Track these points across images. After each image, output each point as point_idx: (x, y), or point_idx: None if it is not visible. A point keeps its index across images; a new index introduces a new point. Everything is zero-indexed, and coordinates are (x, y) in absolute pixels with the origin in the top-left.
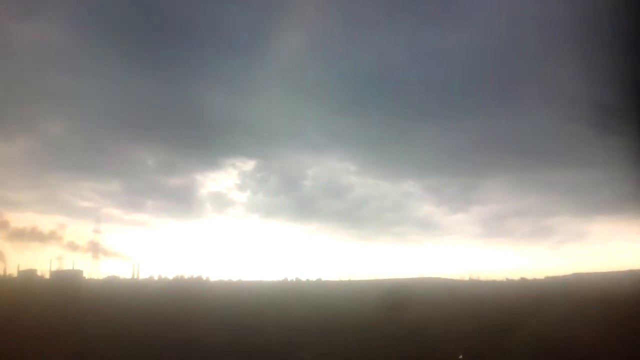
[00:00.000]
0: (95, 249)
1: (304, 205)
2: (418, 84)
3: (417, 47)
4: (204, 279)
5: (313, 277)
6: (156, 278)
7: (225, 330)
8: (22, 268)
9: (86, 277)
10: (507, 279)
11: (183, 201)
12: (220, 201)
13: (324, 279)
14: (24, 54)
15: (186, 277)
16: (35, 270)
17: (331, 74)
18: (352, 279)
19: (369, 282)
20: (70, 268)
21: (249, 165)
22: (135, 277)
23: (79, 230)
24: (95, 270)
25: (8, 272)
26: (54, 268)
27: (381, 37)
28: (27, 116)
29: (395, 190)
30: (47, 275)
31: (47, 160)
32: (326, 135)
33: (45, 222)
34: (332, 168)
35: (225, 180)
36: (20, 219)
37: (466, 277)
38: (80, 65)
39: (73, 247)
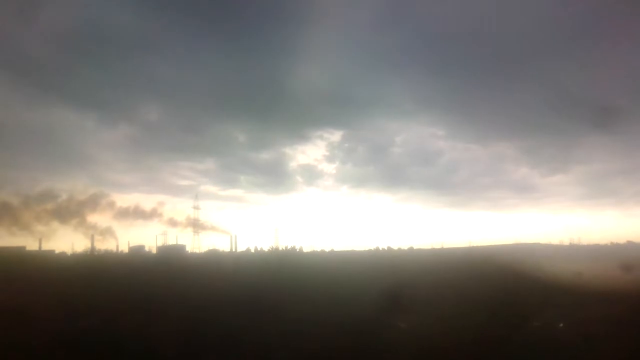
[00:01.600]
0: (195, 224)
1: (393, 173)
2: (506, 37)
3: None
4: (297, 249)
5: (404, 246)
6: (252, 250)
7: (317, 298)
8: (132, 244)
9: (189, 251)
10: (612, 243)
11: (274, 175)
12: (310, 173)
13: (415, 247)
14: (119, 43)
15: (280, 248)
16: (143, 246)
17: (414, 37)
18: (444, 246)
19: (462, 249)
20: (174, 243)
21: (336, 136)
22: (234, 250)
23: (179, 207)
24: (197, 244)
25: (120, 248)
26: (160, 243)
27: None
28: (127, 104)
29: (487, 153)
30: (154, 250)
31: (148, 144)
32: (413, 100)
33: (149, 201)
34: (420, 134)
35: (313, 152)
36: (127, 200)
37: (566, 242)
38: (170, 51)
39: (175, 223)
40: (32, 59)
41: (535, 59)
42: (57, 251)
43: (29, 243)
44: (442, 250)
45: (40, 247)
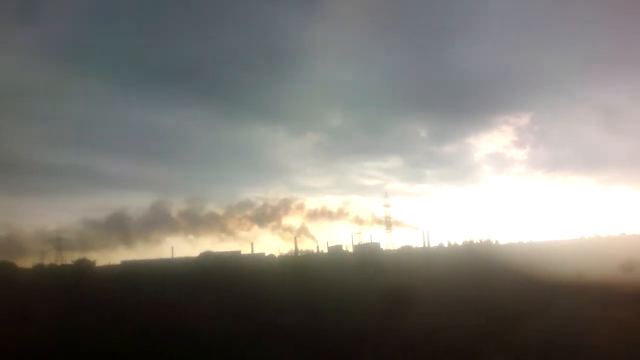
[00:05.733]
0: (387, 222)
1: (594, 152)
2: None
3: None
4: (494, 242)
5: (615, 233)
6: (446, 245)
7: (520, 292)
8: (330, 244)
9: (383, 249)
10: None
11: (460, 167)
12: (499, 161)
13: (628, 233)
14: (294, 54)
15: (475, 241)
16: (341, 246)
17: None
18: None
19: None
20: (368, 241)
21: (523, 119)
22: (427, 245)
23: (370, 206)
24: (390, 241)
25: (320, 248)
26: (355, 242)
27: None
28: (312, 112)
29: None
30: (350, 249)
31: (334, 148)
32: (610, 64)
33: (339, 202)
34: (624, 103)
35: (500, 139)
36: (319, 202)
37: None
38: (344, 54)
39: (361, 221)
40: (225, 81)
41: None
42: (266, 254)
43: (242, 248)
44: None
45: (252, 250)
